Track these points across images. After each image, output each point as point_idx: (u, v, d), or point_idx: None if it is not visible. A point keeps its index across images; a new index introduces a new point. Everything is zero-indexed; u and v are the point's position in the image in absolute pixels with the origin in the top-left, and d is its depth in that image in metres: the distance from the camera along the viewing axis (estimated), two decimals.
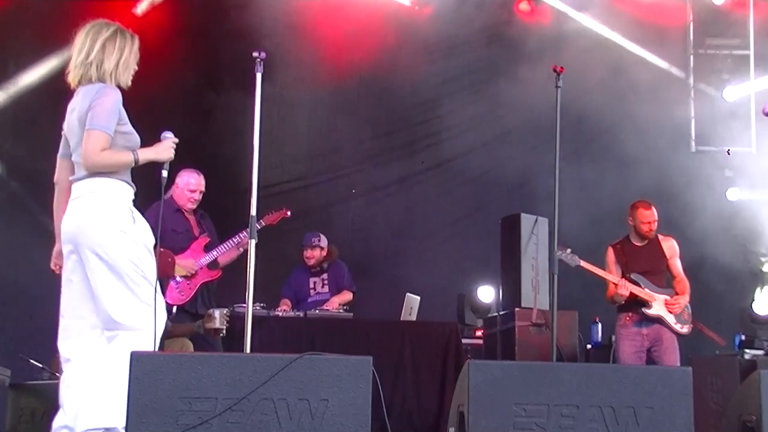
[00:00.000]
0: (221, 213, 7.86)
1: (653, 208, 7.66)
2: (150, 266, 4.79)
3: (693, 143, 11.35)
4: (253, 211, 5.43)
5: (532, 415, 4.37)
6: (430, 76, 10.89)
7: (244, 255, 5.58)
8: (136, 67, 4.98)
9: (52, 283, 9.48)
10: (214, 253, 7.34)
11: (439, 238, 10.79)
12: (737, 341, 8.66)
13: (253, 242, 5.41)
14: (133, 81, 4.98)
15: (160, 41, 9.78)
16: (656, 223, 7.64)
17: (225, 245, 7.38)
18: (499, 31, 10.84)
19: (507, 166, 10.84)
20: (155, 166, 4.96)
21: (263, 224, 7.51)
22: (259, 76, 5.45)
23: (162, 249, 5.53)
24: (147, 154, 4.85)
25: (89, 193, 4.74)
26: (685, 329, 7.51)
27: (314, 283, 8.70)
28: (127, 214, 4.77)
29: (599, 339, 9.22)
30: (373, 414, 4.22)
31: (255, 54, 5.43)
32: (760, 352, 8.00)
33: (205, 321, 6.82)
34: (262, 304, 7.61)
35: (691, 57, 11.51)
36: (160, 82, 8.93)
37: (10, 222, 9.63)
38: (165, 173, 5.01)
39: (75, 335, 4.80)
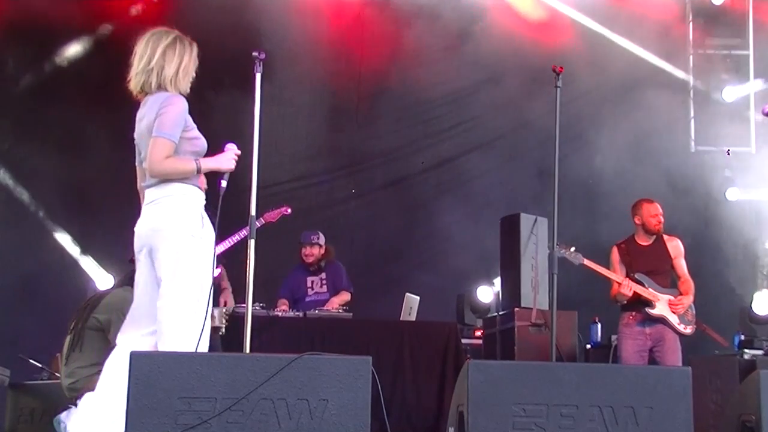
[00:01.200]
0: (220, 212, 7.84)
1: (657, 203, 7.67)
2: (210, 275, 4.89)
3: (692, 143, 11.37)
4: (253, 211, 5.43)
5: (531, 415, 4.36)
6: (429, 76, 10.90)
7: (244, 255, 5.55)
8: (194, 74, 5.09)
9: (51, 284, 9.53)
10: (222, 246, 7.37)
11: (438, 237, 10.78)
12: (737, 341, 8.65)
13: (252, 242, 5.41)
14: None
15: None
16: (663, 217, 7.64)
17: (224, 243, 7.38)
18: (497, 31, 10.83)
19: (506, 165, 10.85)
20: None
21: (263, 221, 7.51)
22: (258, 76, 5.45)
23: None
24: (209, 164, 4.99)
25: (165, 197, 4.87)
26: (688, 330, 7.50)
27: (312, 282, 8.70)
28: (197, 219, 4.91)
29: (599, 339, 9.21)
30: (372, 414, 4.22)
31: (255, 54, 5.43)
32: (760, 352, 7.98)
33: None
34: (261, 305, 7.61)
35: (691, 57, 11.52)
36: None
37: (10, 222, 9.63)
38: (224, 183, 5.09)
39: (133, 332, 4.93)
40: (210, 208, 7.45)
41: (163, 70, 4.93)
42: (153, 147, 4.80)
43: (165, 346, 4.73)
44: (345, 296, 8.58)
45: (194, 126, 4.98)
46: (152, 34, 5.01)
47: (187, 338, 4.75)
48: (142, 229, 4.92)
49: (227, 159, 5.04)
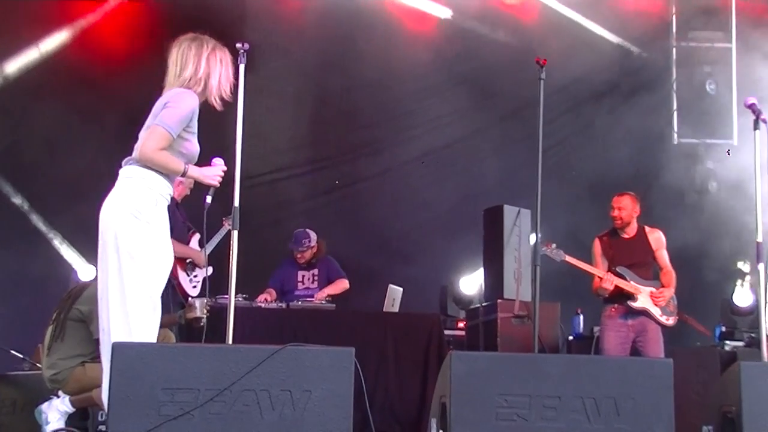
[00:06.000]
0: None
1: (626, 196, 7.59)
2: (158, 255, 4.82)
3: (675, 135, 11.40)
4: (236, 202, 5.41)
5: (514, 406, 4.38)
6: (414, 67, 10.87)
7: (227, 247, 5.54)
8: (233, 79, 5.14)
9: (34, 275, 9.47)
10: (208, 247, 7.38)
11: (421, 229, 10.78)
12: (718, 333, 8.69)
13: (235, 233, 5.39)
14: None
15: (143, 34, 9.73)
16: (624, 212, 7.55)
17: (214, 239, 7.37)
18: (484, 23, 10.84)
19: (490, 157, 10.85)
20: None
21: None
22: (242, 67, 5.42)
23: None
24: (194, 173, 4.99)
25: (124, 178, 4.85)
26: (670, 321, 7.53)
27: (302, 276, 8.67)
28: (147, 201, 4.80)
29: (581, 330, 9.23)
30: (355, 405, 4.23)
31: (238, 45, 5.41)
32: (741, 344, 8.04)
33: (186, 311, 6.79)
34: (244, 296, 7.59)
35: (674, 49, 11.55)
36: (144, 76, 8.88)
37: None
38: (209, 199, 5.13)
39: (101, 319, 4.85)
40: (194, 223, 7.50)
41: (209, 79, 4.99)
42: (151, 134, 4.79)
43: (105, 332, 4.68)
44: (343, 283, 8.60)
45: (195, 131, 4.97)
46: (192, 40, 5.05)
47: (129, 322, 4.66)
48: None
49: (212, 175, 5.04)
